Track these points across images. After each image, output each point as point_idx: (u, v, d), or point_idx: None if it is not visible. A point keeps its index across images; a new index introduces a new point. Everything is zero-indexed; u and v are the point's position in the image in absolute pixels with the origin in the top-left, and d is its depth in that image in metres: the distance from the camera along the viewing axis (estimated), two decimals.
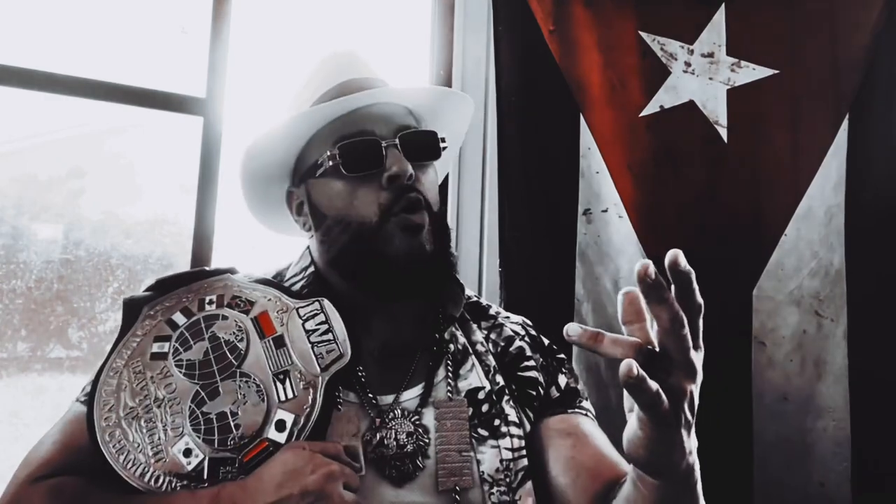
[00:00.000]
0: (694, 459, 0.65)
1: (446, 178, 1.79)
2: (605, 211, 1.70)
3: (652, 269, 0.56)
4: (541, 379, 0.99)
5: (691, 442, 0.64)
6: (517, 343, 1.01)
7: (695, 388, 0.61)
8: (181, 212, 1.69)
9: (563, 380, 1.01)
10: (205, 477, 0.76)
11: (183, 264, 1.61)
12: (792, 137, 1.77)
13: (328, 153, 0.90)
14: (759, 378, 1.69)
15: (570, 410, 0.97)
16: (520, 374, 0.98)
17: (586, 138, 1.71)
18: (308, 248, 1.01)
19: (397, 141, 0.90)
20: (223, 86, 1.61)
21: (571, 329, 0.59)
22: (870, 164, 1.75)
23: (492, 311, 1.06)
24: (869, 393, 1.69)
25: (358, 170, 0.90)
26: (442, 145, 0.96)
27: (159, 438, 0.78)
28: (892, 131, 1.77)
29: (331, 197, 0.92)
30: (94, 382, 0.83)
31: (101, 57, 1.61)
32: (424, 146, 0.94)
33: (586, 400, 1.01)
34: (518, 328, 1.05)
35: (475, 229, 1.77)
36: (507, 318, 1.07)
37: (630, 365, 0.55)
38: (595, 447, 0.92)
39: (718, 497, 1.61)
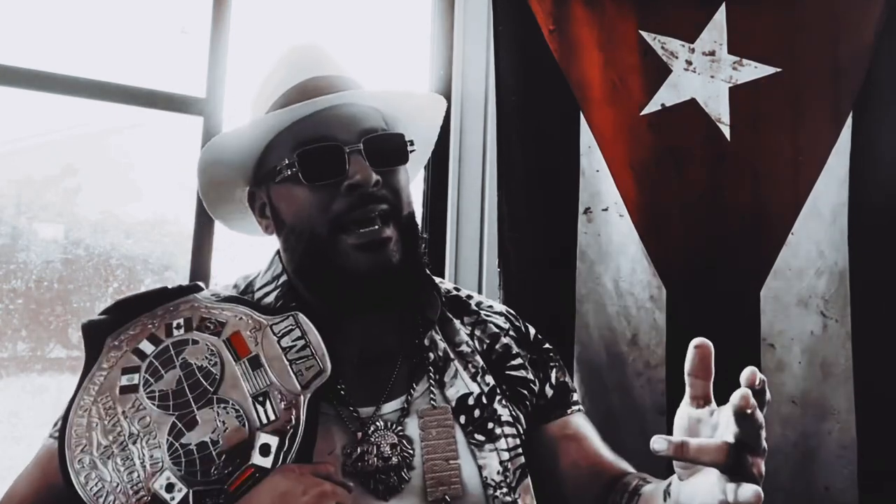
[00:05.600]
0: None
1: (446, 178, 1.79)
2: (606, 210, 1.69)
3: (759, 377, 0.64)
4: (531, 376, 0.97)
5: None
6: (503, 340, 0.99)
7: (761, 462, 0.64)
8: (181, 212, 1.69)
9: (554, 375, 1.00)
10: None
11: (183, 264, 1.60)
12: (795, 135, 1.75)
13: (286, 161, 0.86)
14: (769, 382, 1.66)
15: (568, 411, 0.97)
16: (508, 373, 0.96)
17: (586, 137, 1.70)
18: (278, 253, 0.97)
19: (361, 146, 0.85)
20: (223, 86, 1.60)
21: (658, 444, 0.61)
22: (874, 163, 1.73)
23: (473, 306, 1.02)
24: (874, 395, 1.66)
25: (318, 178, 0.85)
26: (410, 148, 0.91)
27: (138, 476, 0.75)
28: None
29: (289, 203, 0.88)
30: (64, 419, 0.79)
31: (101, 57, 1.61)
32: (391, 151, 0.89)
33: (575, 392, 1.02)
34: (502, 322, 1.02)
35: (475, 229, 1.76)
36: (491, 308, 1.04)
37: (746, 394, 0.60)
38: (595, 448, 0.95)
39: None
